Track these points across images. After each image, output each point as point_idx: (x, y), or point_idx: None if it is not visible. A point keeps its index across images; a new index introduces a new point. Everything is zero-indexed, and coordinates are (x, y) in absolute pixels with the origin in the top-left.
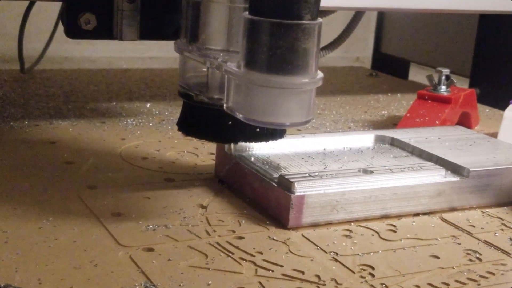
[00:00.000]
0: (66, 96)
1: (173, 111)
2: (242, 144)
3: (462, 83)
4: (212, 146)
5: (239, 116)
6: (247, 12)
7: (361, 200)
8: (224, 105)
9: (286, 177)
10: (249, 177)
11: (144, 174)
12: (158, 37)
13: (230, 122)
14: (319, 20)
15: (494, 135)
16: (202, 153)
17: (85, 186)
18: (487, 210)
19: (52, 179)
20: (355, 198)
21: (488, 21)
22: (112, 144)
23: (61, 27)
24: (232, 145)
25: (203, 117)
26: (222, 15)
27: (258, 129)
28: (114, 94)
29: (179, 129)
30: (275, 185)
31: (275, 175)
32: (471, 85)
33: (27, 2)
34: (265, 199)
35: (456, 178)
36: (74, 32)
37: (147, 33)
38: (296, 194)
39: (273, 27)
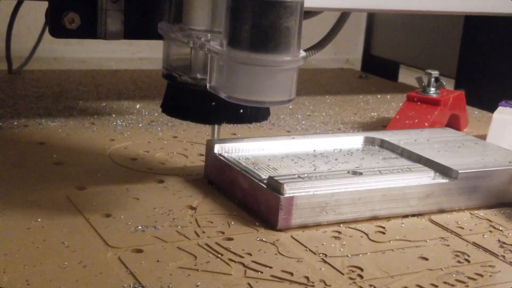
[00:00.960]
0: (55, 96)
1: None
2: (230, 144)
3: (450, 85)
4: (201, 148)
5: (222, 95)
6: None
7: (350, 202)
8: (207, 85)
9: (275, 178)
10: (238, 179)
11: (133, 175)
12: (143, 37)
13: (214, 103)
14: None
15: (483, 137)
16: (191, 154)
17: (74, 187)
18: (475, 212)
19: (41, 180)
20: (344, 200)
21: (473, 23)
22: (101, 145)
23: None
24: (219, 146)
25: (187, 98)
26: None
27: (241, 110)
28: (103, 95)
29: (163, 111)
30: (265, 186)
31: (265, 177)
32: (456, 87)
33: (15, 2)
34: (254, 201)
35: (445, 180)
36: (58, 31)
37: (131, 32)
38: (285, 195)
39: (255, 5)
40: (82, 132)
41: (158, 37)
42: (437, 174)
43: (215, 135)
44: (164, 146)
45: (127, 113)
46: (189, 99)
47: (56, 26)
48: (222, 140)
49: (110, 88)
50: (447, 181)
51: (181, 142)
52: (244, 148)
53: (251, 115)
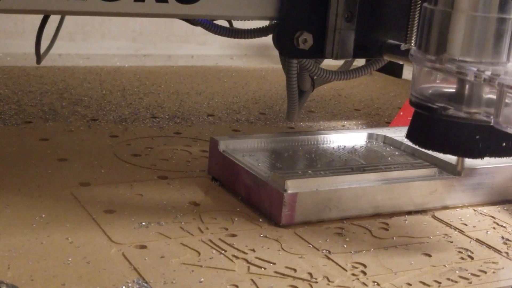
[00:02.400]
0: (60, 93)
1: (166, 108)
2: (234, 141)
3: None
4: (205, 144)
5: None
6: None
7: (353, 198)
8: (492, 120)
9: (278, 175)
10: (242, 175)
11: (137, 171)
12: (365, 56)
13: (478, 137)
14: None
15: None
16: (195, 150)
17: (78, 183)
18: (479, 209)
19: (45, 176)
20: (347, 196)
21: None
22: (105, 141)
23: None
24: (223, 142)
25: (453, 131)
26: (475, 27)
27: (504, 144)
28: (107, 91)
29: (414, 142)
30: (268, 183)
31: (268, 173)
32: None
33: None
34: (258, 197)
35: (448, 177)
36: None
37: (357, 51)
38: (289, 192)
39: None
40: (86, 128)
41: (378, 55)
42: (441, 170)
43: (460, 166)
44: (168, 143)
45: (131, 109)
46: (455, 132)
47: (288, 46)
48: (225, 137)
49: (114, 84)
50: (451, 177)
51: (184, 139)
52: (248, 145)
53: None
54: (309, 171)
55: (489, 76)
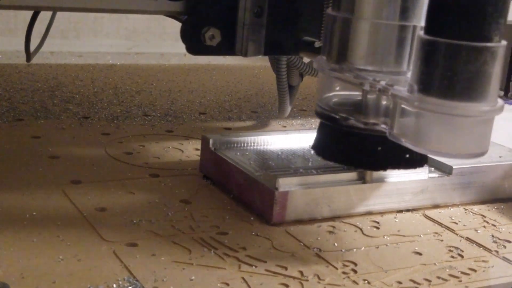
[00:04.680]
0: (52, 90)
1: (158, 106)
2: (225, 139)
3: None
4: (197, 142)
5: (407, 144)
6: (422, 33)
7: (344, 197)
8: (387, 132)
9: (270, 173)
10: (233, 173)
11: (128, 169)
12: (279, 53)
13: (380, 148)
14: (504, 42)
15: None
16: (187, 148)
17: (69, 181)
18: (469, 207)
19: (36, 174)
20: (338, 195)
21: None
22: (97, 139)
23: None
24: (215, 140)
25: (352, 142)
26: (376, 34)
27: (408, 155)
28: (99, 89)
29: (318, 154)
30: (260, 181)
31: (260, 171)
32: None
33: None
34: (249, 195)
35: (439, 175)
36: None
37: (270, 48)
38: (280, 190)
39: (460, 50)
40: (78, 126)
41: (294, 52)
42: (432, 169)
43: (369, 178)
44: (160, 141)
45: (123, 107)
46: (355, 144)
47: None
48: (217, 135)
49: (106, 82)
50: (441, 176)
51: (176, 137)
52: (240, 143)
53: (416, 159)
54: (301, 170)
55: (383, 86)
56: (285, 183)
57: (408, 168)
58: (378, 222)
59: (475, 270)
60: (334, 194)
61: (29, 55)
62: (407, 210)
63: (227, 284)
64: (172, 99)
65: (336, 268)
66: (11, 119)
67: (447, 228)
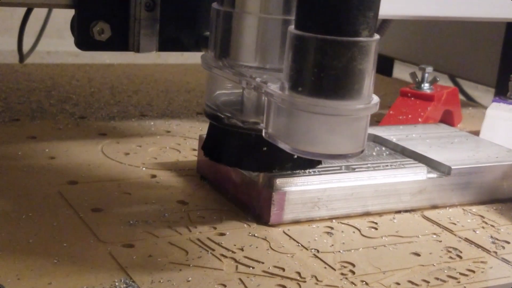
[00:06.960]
0: (48, 90)
1: (155, 106)
2: None
3: (445, 81)
4: (194, 142)
5: (282, 145)
6: (293, 27)
7: (342, 197)
8: (263, 132)
9: (267, 173)
10: (230, 174)
11: (125, 170)
12: (178, 49)
13: (265, 149)
14: (377, 36)
15: (476, 133)
16: (184, 149)
17: (66, 181)
18: (468, 208)
19: (33, 174)
20: (336, 195)
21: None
22: (94, 139)
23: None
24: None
25: (236, 143)
26: (258, 29)
27: (295, 157)
28: (96, 89)
29: (206, 155)
30: (257, 181)
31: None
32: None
33: None
34: (246, 196)
35: (437, 176)
36: (86, 43)
37: (166, 44)
38: (278, 190)
39: (326, 45)
40: (75, 126)
41: (195, 49)
42: (430, 169)
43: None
44: (157, 141)
45: (120, 107)
46: (239, 144)
47: (84, 37)
48: None
49: (103, 82)
50: (440, 177)
51: (174, 137)
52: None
53: (306, 161)
54: (298, 170)
55: (257, 83)
56: (282, 184)
57: (299, 169)
58: (376, 223)
59: (473, 271)
60: (332, 195)
61: (22, 56)
62: (405, 211)
63: (224, 286)
64: (170, 99)
65: (334, 269)
66: (7, 119)
67: (446, 228)
